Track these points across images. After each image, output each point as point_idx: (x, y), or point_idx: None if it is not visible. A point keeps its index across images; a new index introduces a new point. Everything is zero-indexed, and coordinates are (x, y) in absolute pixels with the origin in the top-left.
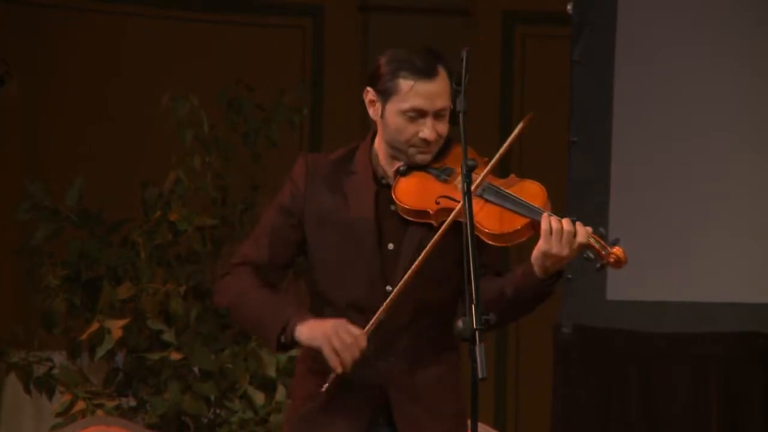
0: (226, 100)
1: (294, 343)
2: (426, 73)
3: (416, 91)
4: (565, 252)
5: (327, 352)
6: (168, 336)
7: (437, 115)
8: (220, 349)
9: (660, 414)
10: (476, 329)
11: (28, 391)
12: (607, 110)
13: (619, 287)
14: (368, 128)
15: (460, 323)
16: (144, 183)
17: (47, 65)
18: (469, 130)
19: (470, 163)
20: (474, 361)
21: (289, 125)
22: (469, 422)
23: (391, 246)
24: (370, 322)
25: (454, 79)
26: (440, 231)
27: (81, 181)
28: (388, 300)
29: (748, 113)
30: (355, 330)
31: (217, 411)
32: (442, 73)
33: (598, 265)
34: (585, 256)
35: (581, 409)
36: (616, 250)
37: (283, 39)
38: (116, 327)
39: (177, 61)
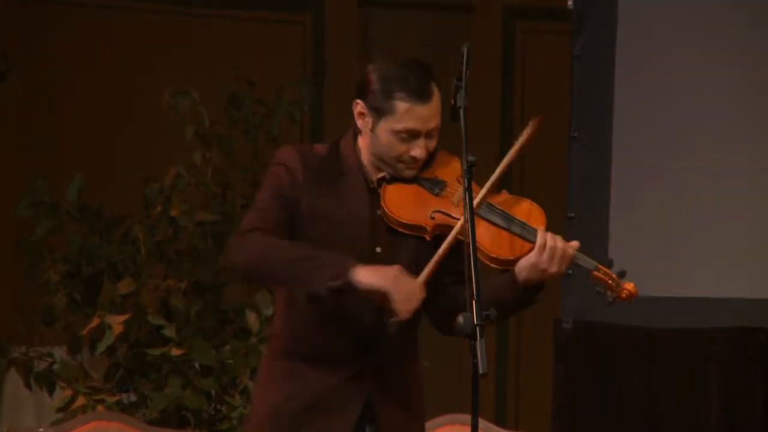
0: (227, 96)
1: (344, 288)
2: (422, 95)
3: (412, 115)
4: (554, 269)
5: (396, 298)
6: (168, 331)
7: (428, 135)
8: (221, 345)
9: (660, 409)
10: (477, 325)
11: (28, 386)
12: (608, 105)
13: None
14: None
15: (460, 319)
16: (145, 179)
17: (48, 60)
18: (470, 125)
19: (471, 159)
20: (475, 356)
21: (290, 120)
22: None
23: (378, 249)
24: (424, 272)
25: (455, 75)
26: (443, 249)
27: (81, 176)
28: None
29: (749, 108)
30: (415, 279)
31: (218, 406)
32: (436, 93)
33: (610, 299)
34: (597, 290)
35: (581, 404)
36: (628, 286)
37: (283, 34)
38: (117, 322)
39: (177, 56)
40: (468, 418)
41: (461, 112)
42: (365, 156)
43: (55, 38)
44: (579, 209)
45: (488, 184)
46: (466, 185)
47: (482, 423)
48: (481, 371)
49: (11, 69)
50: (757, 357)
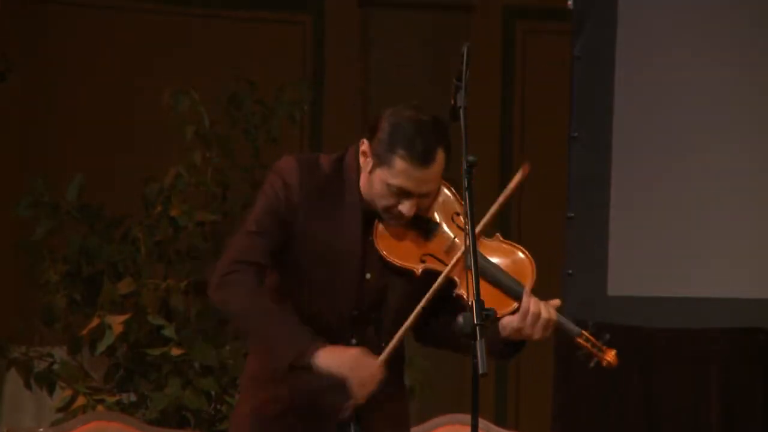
0: (227, 96)
1: (304, 368)
2: (423, 160)
3: (407, 175)
4: (537, 335)
5: (353, 384)
6: (168, 331)
7: (422, 195)
8: (221, 345)
9: (660, 410)
10: (477, 324)
11: (28, 386)
12: (608, 105)
13: (620, 283)
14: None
15: (460, 319)
16: (145, 179)
17: (48, 60)
18: (470, 125)
19: (471, 158)
20: (475, 356)
21: (290, 120)
22: None
23: (368, 276)
24: (385, 352)
25: (455, 75)
26: (432, 291)
27: (81, 176)
28: (398, 335)
29: (749, 108)
30: (374, 361)
31: (218, 406)
32: (440, 157)
33: (590, 365)
34: (578, 354)
35: (581, 404)
36: (609, 355)
37: (283, 35)
38: (117, 322)
39: (177, 56)
40: (468, 418)
41: (461, 112)
42: (364, 183)
43: (55, 38)
44: (579, 209)
45: (483, 220)
46: (465, 185)
47: (482, 423)
48: (481, 371)
49: (11, 69)
50: (757, 357)
